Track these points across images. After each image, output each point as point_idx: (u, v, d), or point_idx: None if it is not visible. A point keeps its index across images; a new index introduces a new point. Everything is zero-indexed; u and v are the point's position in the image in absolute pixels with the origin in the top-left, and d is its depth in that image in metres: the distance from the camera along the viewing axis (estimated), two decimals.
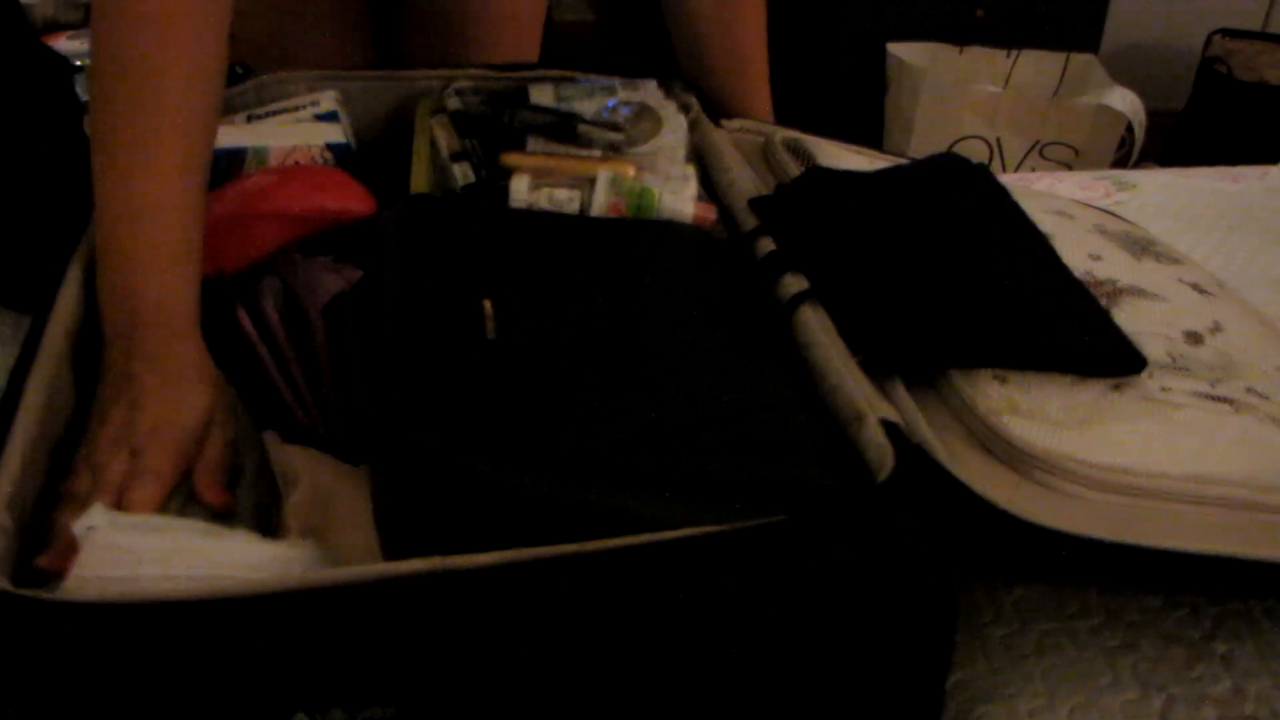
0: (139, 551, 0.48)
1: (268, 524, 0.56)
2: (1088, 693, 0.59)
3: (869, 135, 2.48)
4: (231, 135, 0.77)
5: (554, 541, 0.45)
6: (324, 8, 1.05)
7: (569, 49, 2.59)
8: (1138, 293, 0.72)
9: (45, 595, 0.44)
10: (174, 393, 0.57)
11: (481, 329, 0.58)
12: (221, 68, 0.65)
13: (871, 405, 0.55)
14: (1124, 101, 2.28)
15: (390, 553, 0.50)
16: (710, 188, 0.79)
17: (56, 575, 0.48)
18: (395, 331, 0.57)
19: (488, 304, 0.59)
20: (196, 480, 0.56)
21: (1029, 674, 0.60)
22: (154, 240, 0.59)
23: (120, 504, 0.52)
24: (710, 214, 0.74)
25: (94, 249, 0.61)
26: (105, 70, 0.61)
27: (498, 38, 1.07)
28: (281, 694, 0.44)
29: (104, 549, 0.47)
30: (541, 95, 0.83)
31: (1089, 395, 0.61)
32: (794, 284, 0.66)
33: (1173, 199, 1.12)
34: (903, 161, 0.83)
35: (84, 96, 0.82)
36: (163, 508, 0.54)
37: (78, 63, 0.83)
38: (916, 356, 0.62)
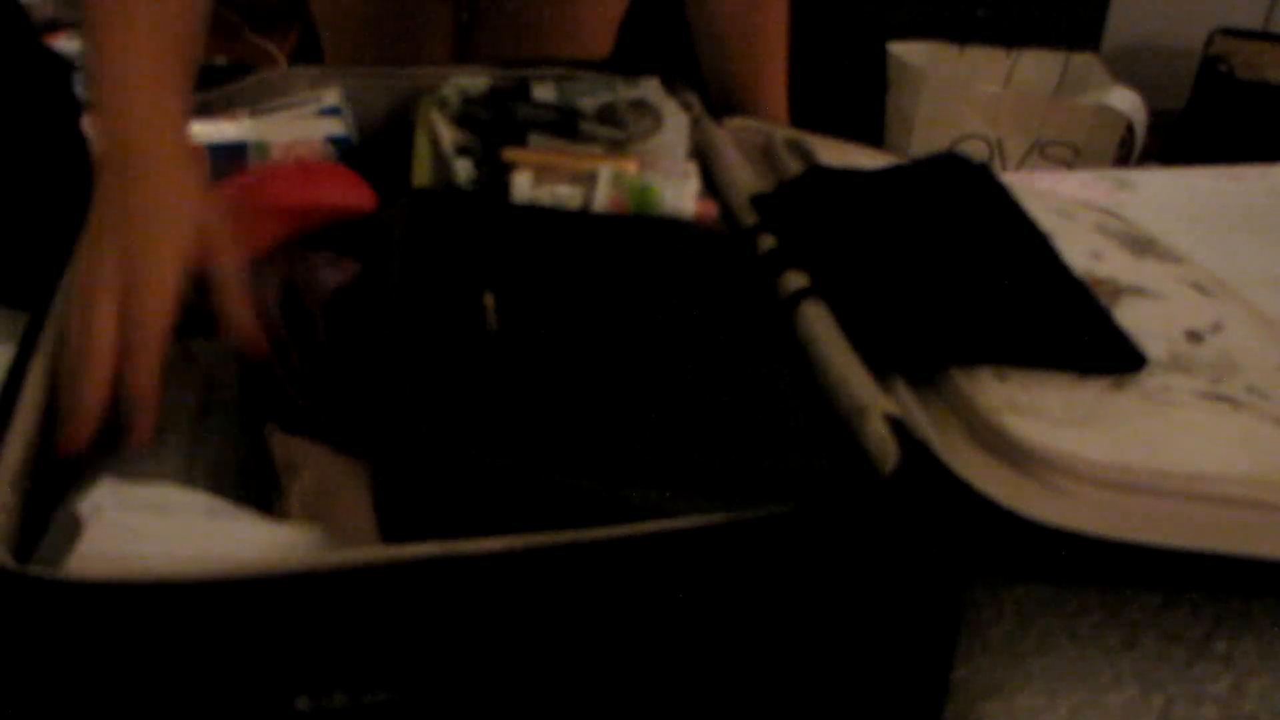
0: (144, 531, 0.48)
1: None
2: (1088, 691, 0.59)
3: (869, 135, 2.48)
4: (233, 130, 0.77)
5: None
6: (410, 17, 1.05)
7: None
8: (1138, 292, 0.72)
9: (49, 574, 0.44)
10: (166, 208, 0.57)
11: (483, 323, 0.58)
12: None
13: (875, 400, 0.55)
14: (1125, 101, 2.28)
15: (390, 544, 0.50)
16: (711, 185, 0.79)
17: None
18: (397, 324, 0.57)
19: (489, 298, 0.59)
20: (218, 301, 0.56)
21: (1029, 672, 0.60)
22: (137, 62, 0.61)
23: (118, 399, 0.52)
24: (711, 211, 0.74)
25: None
26: None
27: (570, 45, 1.07)
28: (284, 677, 0.44)
29: (109, 528, 0.47)
30: (543, 92, 0.83)
31: (1089, 393, 0.61)
32: (795, 280, 0.66)
33: (1173, 198, 1.12)
34: (903, 161, 0.84)
35: (84, 96, 0.82)
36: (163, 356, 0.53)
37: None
38: (917, 354, 0.62)
